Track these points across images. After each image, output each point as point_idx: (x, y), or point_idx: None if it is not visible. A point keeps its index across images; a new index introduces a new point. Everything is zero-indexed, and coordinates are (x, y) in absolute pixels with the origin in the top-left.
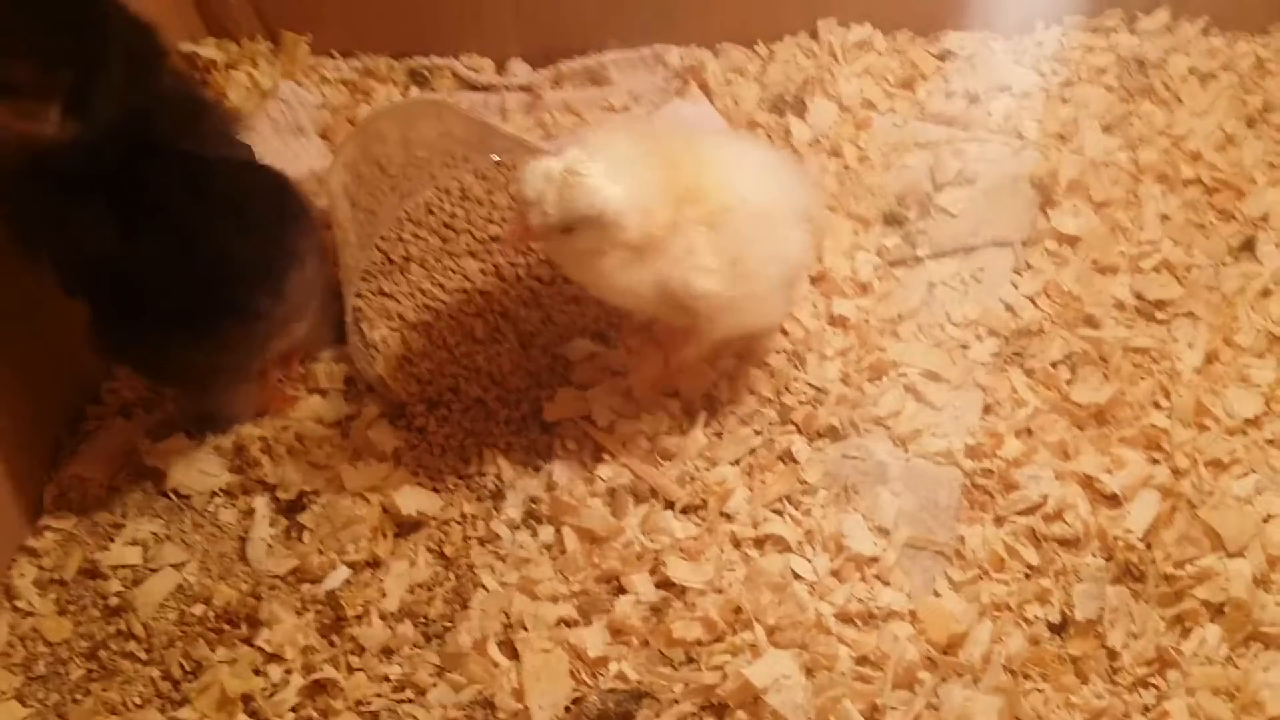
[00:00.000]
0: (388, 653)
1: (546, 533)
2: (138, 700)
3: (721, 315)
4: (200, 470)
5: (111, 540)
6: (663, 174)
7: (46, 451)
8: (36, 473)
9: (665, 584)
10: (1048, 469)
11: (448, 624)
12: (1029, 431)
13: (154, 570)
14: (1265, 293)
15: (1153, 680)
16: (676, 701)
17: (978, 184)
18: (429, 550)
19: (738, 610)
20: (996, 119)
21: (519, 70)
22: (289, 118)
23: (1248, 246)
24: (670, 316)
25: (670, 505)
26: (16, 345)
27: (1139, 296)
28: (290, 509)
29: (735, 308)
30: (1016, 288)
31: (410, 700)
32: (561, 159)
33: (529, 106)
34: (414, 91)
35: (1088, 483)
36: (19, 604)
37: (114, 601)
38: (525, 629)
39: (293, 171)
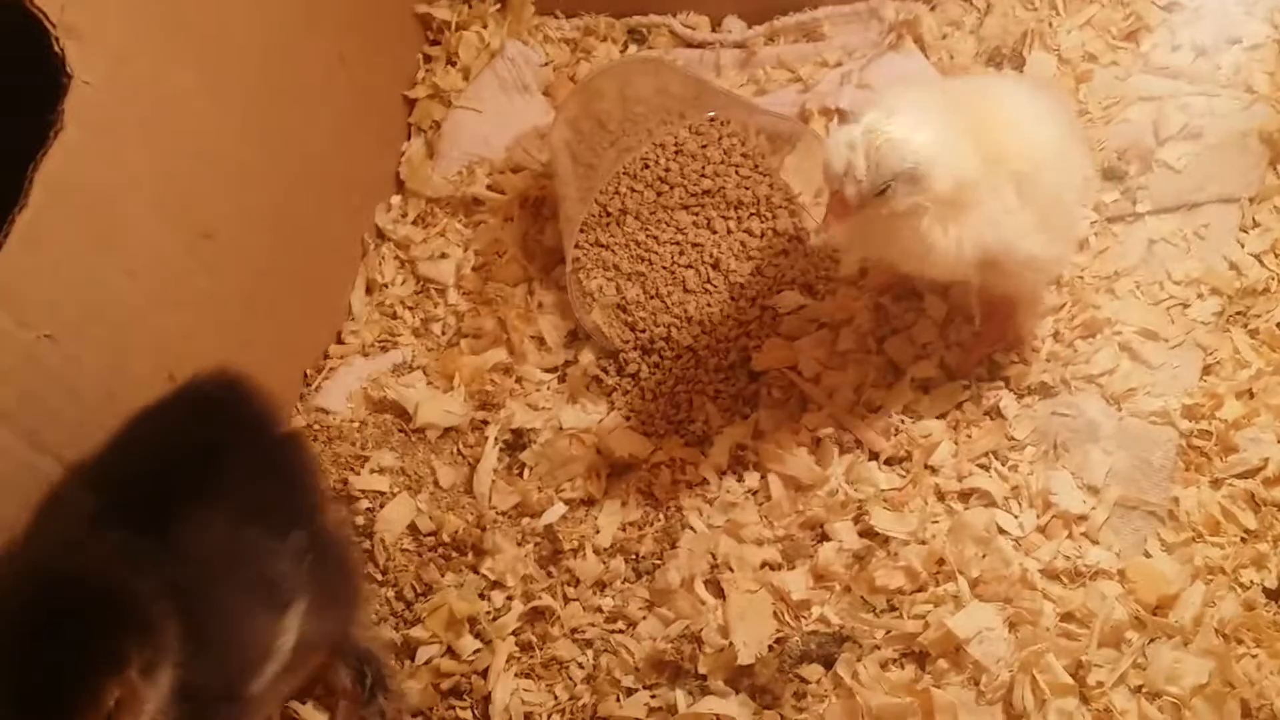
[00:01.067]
0: (601, 586)
1: (752, 478)
2: (374, 617)
3: (1041, 273)
4: (440, 409)
5: (357, 469)
6: (965, 127)
7: (295, 387)
8: (286, 407)
9: (868, 533)
10: (1269, 432)
11: (657, 561)
12: (1251, 393)
13: (394, 496)
14: None
15: None
16: (878, 647)
17: (1204, 139)
18: (639, 491)
19: (941, 561)
20: (1225, 72)
21: (734, 27)
22: (514, 75)
23: None
24: (990, 282)
25: (875, 456)
26: (270, 292)
27: None
28: (512, 448)
29: (1052, 261)
30: (1242, 246)
31: (621, 631)
32: (859, 123)
33: (743, 62)
34: (632, 49)
35: None
36: None
37: (360, 522)
38: (731, 570)
39: (517, 127)
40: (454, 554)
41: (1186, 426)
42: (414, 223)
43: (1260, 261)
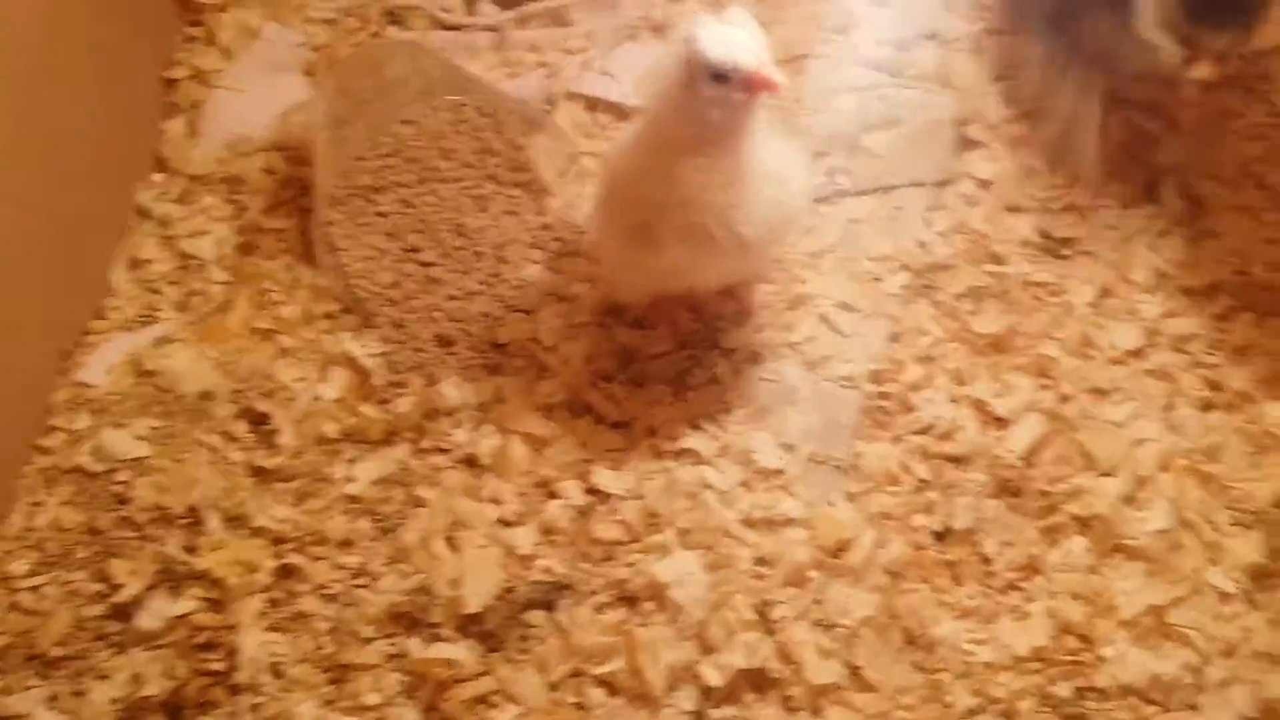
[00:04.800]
0: (347, 544)
1: (493, 442)
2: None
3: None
4: (200, 378)
5: (113, 439)
6: None
7: (55, 362)
8: (47, 380)
9: (593, 490)
10: (943, 393)
11: (400, 520)
12: (930, 359)
13: (154, 464)
14: (1162, 234)
15: (1021, 585)
16: (594, 593)
17: (901, 127)
18: (390, 455)
19: (654, 515)
20: (923, 66)
21: (488, 11)
22: (274, 56)
23: (1151, 190)
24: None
25: (602, 420)
26: (29, 264)
27: (1045, 235)
28: (267, 418)
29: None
30: (930, 225)
31: (364, 586)
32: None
33: (497, 45)
34: (391, 31)
35: (979, 406)
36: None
37: (118, 490)
38: (467, 527)
39: (277, 107)
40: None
41: (871, 389)
42: (176, 201)
43: (944, 240)
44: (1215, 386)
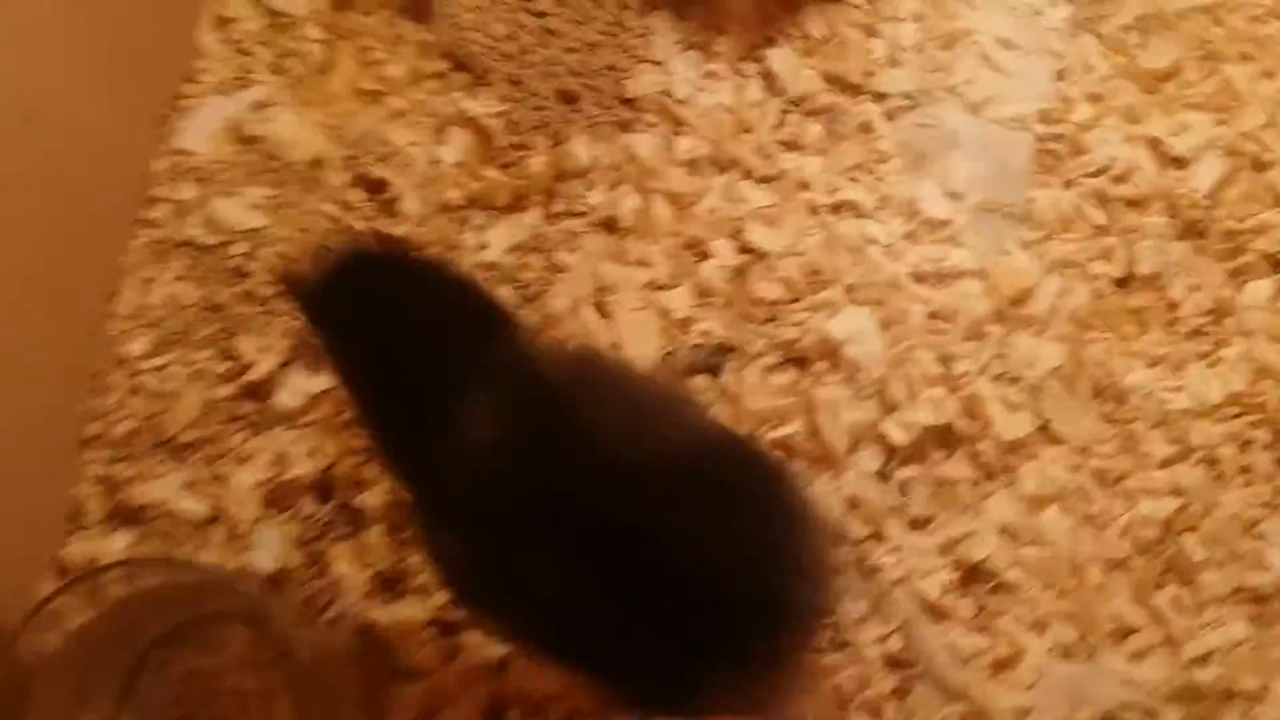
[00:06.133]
0: None
1: (633, 201)
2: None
3: None
4: (307, 142)
5: (225, 209)
6: None
7: (149, 129)
8: (143, 148)
9: (746, 249)
10: (1116, 132)
11: (544, 286)
12: (1099, 96)
13: (273, 234)
14: None
15: (1209, 329)
16: (761, 354)
17: None
18: (518, 220)
19: (816, 271)
20: None
21: None
22: None
23: None
24: None
25: (749, 175)
26: (112, 29)
27: None
28: (384, 185)
29: None
30: None
31: None
32: None
33: None
34: None
35: (1155, 145)
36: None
37: (236, 263)
38: (616, 292)
39: None
40: None
41: (1041, 130)
42: None
43: None
44: None
